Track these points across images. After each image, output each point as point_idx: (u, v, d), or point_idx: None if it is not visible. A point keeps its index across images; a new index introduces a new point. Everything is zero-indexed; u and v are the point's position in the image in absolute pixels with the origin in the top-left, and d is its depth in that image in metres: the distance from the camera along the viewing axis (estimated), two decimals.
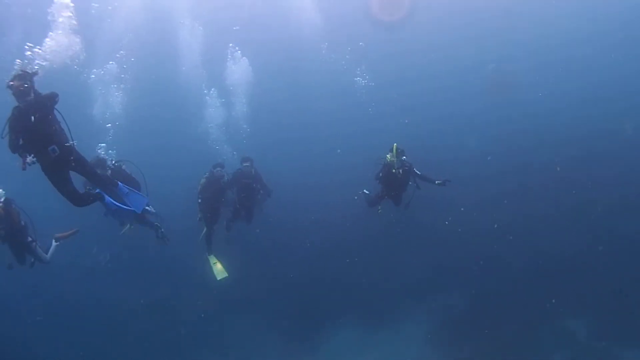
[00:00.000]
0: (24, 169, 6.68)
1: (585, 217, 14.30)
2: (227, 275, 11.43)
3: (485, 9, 20.04)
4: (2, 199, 8.37)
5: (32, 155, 6.69)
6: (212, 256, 11.64)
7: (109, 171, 9.48)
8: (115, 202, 8.32)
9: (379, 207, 11.37)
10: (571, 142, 16.95)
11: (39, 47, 7.54)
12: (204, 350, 13.10)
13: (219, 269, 11.44)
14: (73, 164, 7.15)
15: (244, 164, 11.74)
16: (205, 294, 13.43)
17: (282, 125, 21.21)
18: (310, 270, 14.46)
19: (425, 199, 11.36)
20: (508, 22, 19.95)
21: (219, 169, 11.41)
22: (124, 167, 10.03)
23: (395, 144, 10.50)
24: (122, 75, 15.05)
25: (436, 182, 10.63)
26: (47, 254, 9.37)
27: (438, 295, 13.85)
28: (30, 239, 8.90)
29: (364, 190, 11.97)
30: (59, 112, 6.89)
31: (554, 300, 12.09)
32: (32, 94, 6.58)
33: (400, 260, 14.62)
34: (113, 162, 9.83)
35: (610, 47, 19.55)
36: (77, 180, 7.91)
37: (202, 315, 13.74)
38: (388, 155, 10.62)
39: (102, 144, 11.36)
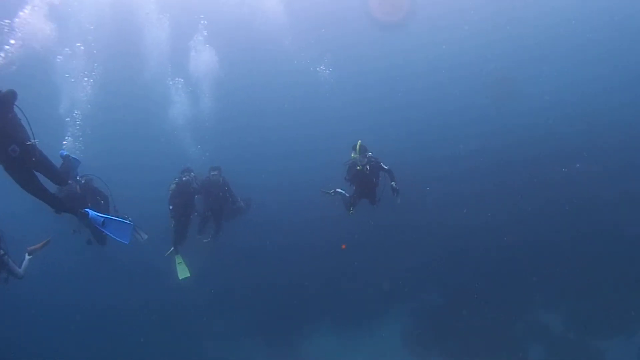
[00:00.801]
0: None
1: (560, 214, 14.40)
2: (189, 275, 11.33)
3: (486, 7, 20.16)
4: None
5: None
6: (178, 256, 11.39)
7: (78, 187, 9.24)
8: (101, 214, 7.57)
9: (351, 209, 11.12)
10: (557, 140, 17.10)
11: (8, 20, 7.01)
12: (185, 354, 12.94)
13: (182, 268, 11.32)
14: (35, 163, 6.55)
15: (212, 173, 11.55)
16: (184, 298, 13.35)
17: (247, 119, 20.82)
18: (286, 275, 14.20)
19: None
20: (509, 20, 20.13)
21: (187, 174, 11.17)
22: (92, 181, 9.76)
23: (359, 141, 10.26)
24: (94, 64, 14.61)
25: (392, 183, 10.31)
26: (20, 268, 8.72)
27: (413, 295, 13.83)
28: (2, 252, 8.24)
29: (337, 189, 11.69)
30: (19, 109, 6.35)
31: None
32: None
33: (375, 261, 14.47)
34: (79, 178, 9.48)
35: (611, 46, 19.92)
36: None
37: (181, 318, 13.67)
38: (352, 154, 10.39)
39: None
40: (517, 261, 13.40)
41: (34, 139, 6.47)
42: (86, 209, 7.32)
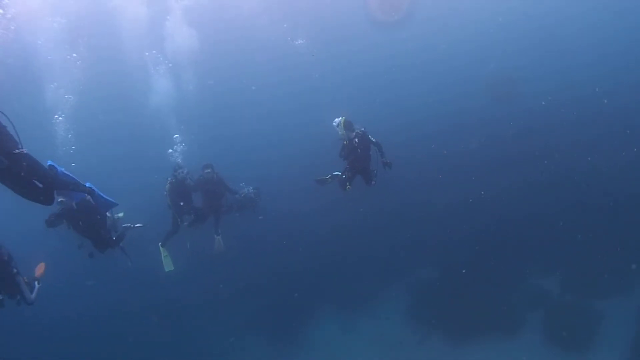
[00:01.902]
0: None
1: (550, 180, 14.41)
2: (173, 268, 11.73)
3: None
4: None
5: None
6: (164, 248, 11.74)
7: (74, 203, 9.05)
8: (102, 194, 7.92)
9: (348, 185, 10.92)
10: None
11: None
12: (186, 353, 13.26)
13: (167, 261, 11.71)
14: (26, 171, 6.25)
15: (206, 171, 11.74)
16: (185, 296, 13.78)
17: (228, 97, 20.85)
18: (283, 264, 14.32)
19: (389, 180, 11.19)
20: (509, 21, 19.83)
21: (180, 170, 11.36)
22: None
23: (342, 118, 10.21)
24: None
25: (382, 159, 10.36)
26: (32, 293, 8.80)
27: (412, 272, 13.92)
28: (15, 270, 8.30)
29: (333, 173, 11.46)
30: (4, 115, 6.07)
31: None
32: None
33: (370, 244, 14.54)
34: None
35: (611, 44, 19.66)
36: None
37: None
38: (339, 130, 10.25)
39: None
40: (509, 230, 13.42)
41: (22, 148, 6.17)
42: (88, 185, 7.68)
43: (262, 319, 13.72)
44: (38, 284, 9.14)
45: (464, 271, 12.46)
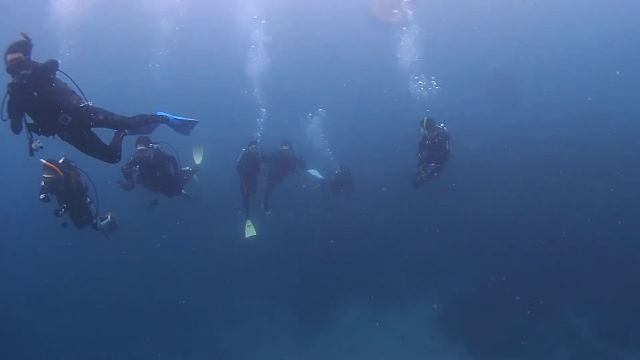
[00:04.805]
0: (31, 154, 6.14)
1: (598, 216, 14.26)
2: (255, 234, 12.48)
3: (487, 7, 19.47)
4: (61, 160, 8.16)
5: (38, 139, 6.14)
6: (248, 220, 12.62)
7: (151, 155, 9.61)
8: (176, 116, 7.58)
9: (421, 171, 11.02)
10: (574, 141, 16.90)
11: None
12: (215, 325, 13.97)
13: (250, 229, 12.51)
14: (95, 121, 6.40)
15: (283, 147, 12.73)
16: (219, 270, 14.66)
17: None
18: (325, 250, 14.96)
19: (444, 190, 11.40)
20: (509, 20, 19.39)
21: (253, 146, 12.32)
22: (161, 148, 10.00)
23: (425, 118, 10.62)
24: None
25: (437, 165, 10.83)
26: (102, 221, 9.36)
27: (450, 281, 14.16)
28: (88, 199, 8.79)
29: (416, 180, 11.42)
30: (64, 74, 6.19)
31: None
32: (29, 67, 5.77)
33: (416, 244, 14.86)
34: (151, 145, 9.70)
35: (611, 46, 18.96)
36: None
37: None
38: (421, 130, 10.63)
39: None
40: (557, 261, 13.47)
41: (87, 101, 6.35)
42: (160, 113, 7.35)
43: (296, 295, 14.36)
44: (111, 218, 9.66)
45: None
